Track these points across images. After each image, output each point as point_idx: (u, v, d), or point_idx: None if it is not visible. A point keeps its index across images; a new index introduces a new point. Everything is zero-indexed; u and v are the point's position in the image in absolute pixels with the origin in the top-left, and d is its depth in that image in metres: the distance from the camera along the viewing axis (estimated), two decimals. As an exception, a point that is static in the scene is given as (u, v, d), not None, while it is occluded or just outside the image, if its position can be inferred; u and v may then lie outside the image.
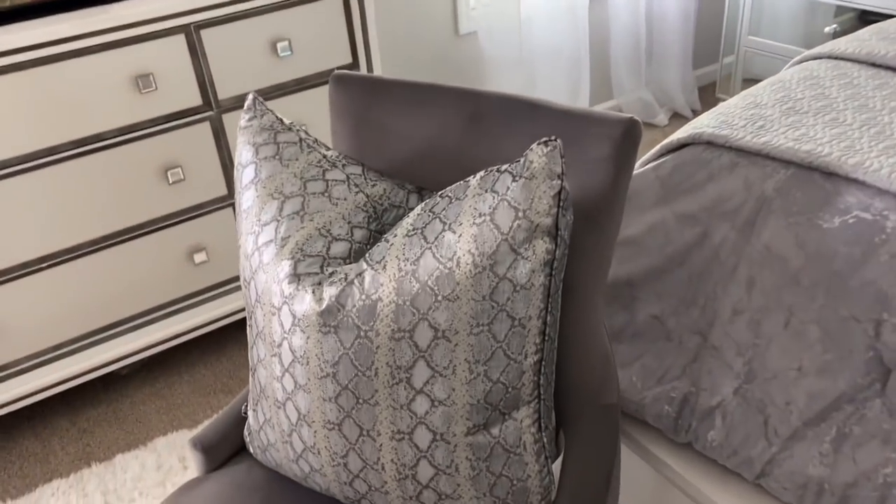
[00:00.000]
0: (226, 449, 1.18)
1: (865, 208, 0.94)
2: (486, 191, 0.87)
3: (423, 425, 0.89)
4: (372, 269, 0.89)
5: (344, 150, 1.16)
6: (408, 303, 0.86)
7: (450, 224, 0.88)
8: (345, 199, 1.00)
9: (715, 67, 3.26)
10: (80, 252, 1.81)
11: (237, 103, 1.90)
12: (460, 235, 0.86)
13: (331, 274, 0.92)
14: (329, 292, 0.90)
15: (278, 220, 0.97)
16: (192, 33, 1.78)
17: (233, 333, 2.21)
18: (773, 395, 1.01)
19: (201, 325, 2.04)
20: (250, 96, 1.07)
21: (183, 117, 1.84)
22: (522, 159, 0.86)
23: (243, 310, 2.10)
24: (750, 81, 2.99)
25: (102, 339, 1.92)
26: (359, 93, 1.15)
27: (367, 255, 0.92)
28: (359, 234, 0.98)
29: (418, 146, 1.11)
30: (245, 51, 1.86)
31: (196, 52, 1.80)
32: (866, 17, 3.01)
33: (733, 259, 1.07)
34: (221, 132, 1.90)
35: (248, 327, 1.04)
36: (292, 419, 0.96)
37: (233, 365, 2.10)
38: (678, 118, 3.26)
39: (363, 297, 0.88)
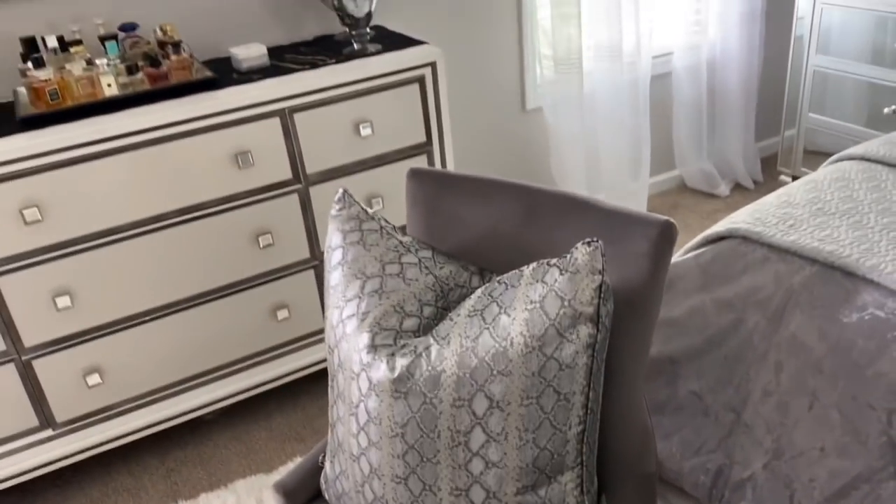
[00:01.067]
0: (303, 495, 1.33)
1: (880, 307, 1.04)
2: (537, 281, 1.02)
3: (478, 484, 1.02)
4: (438, 343, 1.04)
5: (417, 233, 1.33)
6: (467, 375, 1.01)
7: (505, 308, 1.02)
8: (416, 280, 1.16)
9: (777, 140, 3.35)
10: (178, 307, 2.02)
11: (323, 177, 2.11)
12: (514, 319, 1.00)
13: (402, 346, 1.08)
14: (401, 362, 1.05)
15: (360, 297, 1.14)
16: (286, 116, 2.00)
17: (307, 386, 2.39)
18: (798, 471, 1.11)
19: (279, 376, 2.22)
20: (340, 190, 1.25)
21: (275, 189, 2.05)
22: (569, 255, 1.01)
23: (317, 363, 2.28)
24: (812, 153, 3.06)
25: (191, 387, 2.12)
26: (431, 185, 1.32)
27: (433, 330, 1.07)
28: (427, 311, 1.14)
29: (481, 232, 1.27)
30: (331, 131, 2.07)
31: (289, 133, 2.02)
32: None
33: (764, 344, 1.18)
34: (308, 202, 2.11)
35: (329, 388, 1.20)
36: (365, 472, 1.11)
37: (305, 415, 2.27)
38: (740, 189, 3.35)
39: (430, 368, 1.03)
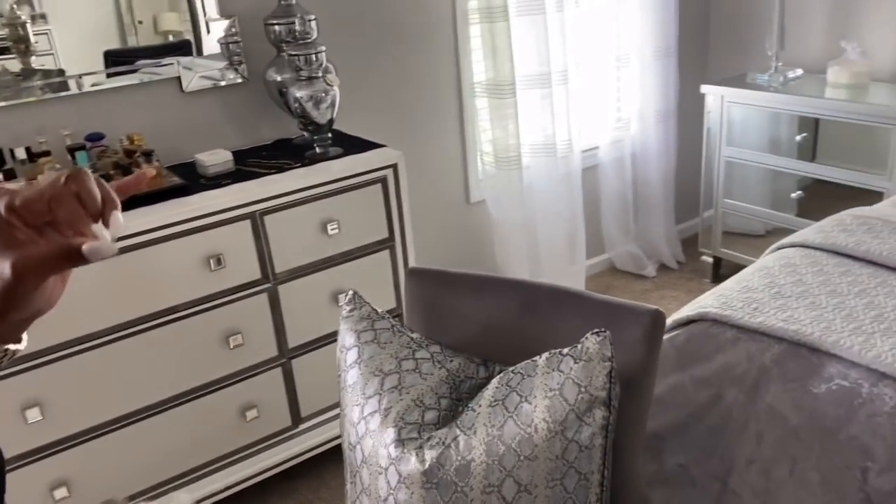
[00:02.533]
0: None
1: (844, 377, 1.19)
2: (554, 370, 1.12)
3: (509, 565, 1.09)
4: (465, 434, 1.12)
5: (418, 328, 1.42)
6: (496, 462, 1.09)
7: (526, 396, 1.12)
8: (431, 374, 1.24)
9: (696, 222, 3.63)
10: (149, 413, 2.01)
11: (291, 275, 2.17)
12: (535, 406, 1.10)
13: (428, 438, 1.15)
14: (430, 455, 1.12)
15: (380, 394, 1.21)
16: (257, 219, 2.07)
17: (275, 485, 2.37)
18: (786, 531, 1.23)
19: (249, 476, 2.21)
20: (350, 292, 1.33)
21: (245, 289, 2.10)
22: (580, 345, 1.12)
23: (285, 462, 2.27)
24: (728, 234, 3.33)
25: (160, 493, 2.07)
26: (430, 283, 1.42)
27: (457, 421, 1.15)
28: (444, 403, 1.22)
29: (481, 326, 1.37)
30: (300, 231, 2.15)
31: (259, 234, 2.08)
32: (823, 182, 3.42)
33: (744, 416, 1.31)
34: (277, 300, 2.16)
35: (349, 485, 1.25)
36: (393, 563, 1.16)
37: (276, 514, 2.24)
38: (665, 269, 3.59)
39: (459, 458, 1.11)
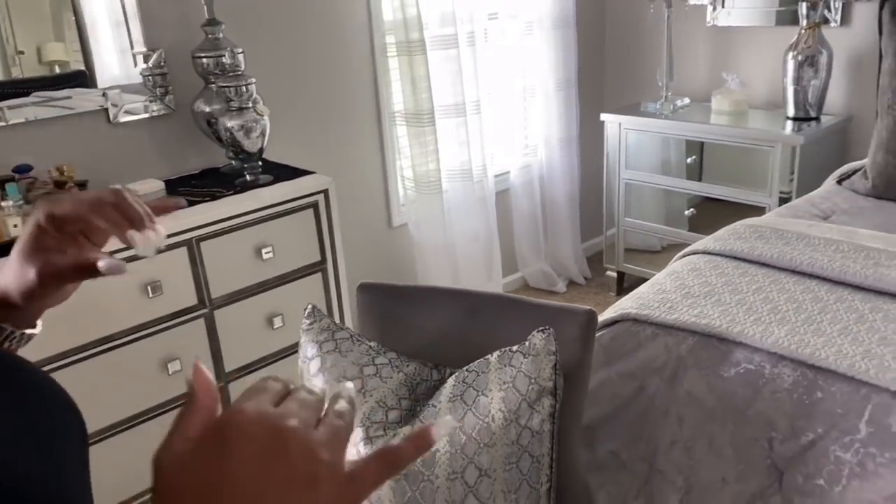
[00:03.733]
0: None
1: (750, 361, 1.39)
2: (506, 365, 1.25)
3: (473, 544, 1.20)
4: (429, 428, 1.23)
5: (372, 339, 1.52)
6: (458, 450, 1.21)
7: (482, 390, 1.24)
8: (391, 378, 1.35)
9: (600, 240, 3.88)
10: (91, 441, 2.00)
11: (227, 300, 2.22)
12: (491, 398, 1.23)
13: (394, 435, 1.25)
14: (398, 449, 1.22)
15: (345, 398, 1.30)
16: (193, 246, 2.12)
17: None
18: (707, 501, 1.40)
19: None
20: (309, 306, 1.42)
21: (182, 315, 2.13)
22: (528, 342, 1.26)
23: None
24: (629, 251, 3.59)
25: (101, 523, 2.06)
26: (381, 296, 1.53)
27: (420, 417, 1.27)
28: (404, 404, 1.33)
29: (431, 334, 1.49)
30: (235, 256, 2.21)
31: (196, 261, 2.13)
32: (709, 198, 3.75)
33: (665, 403, 1.49)
34: (213, 325, 2.20)
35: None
36: (364, 553, 1.25)
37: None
38: (574, 285, 3.81)
39: (425, 449, 1.21)
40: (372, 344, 1.41)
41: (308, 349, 1.38)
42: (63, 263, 0.70)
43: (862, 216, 2.01)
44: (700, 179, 3.35)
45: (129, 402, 2.06)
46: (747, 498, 1.35)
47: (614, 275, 3.68)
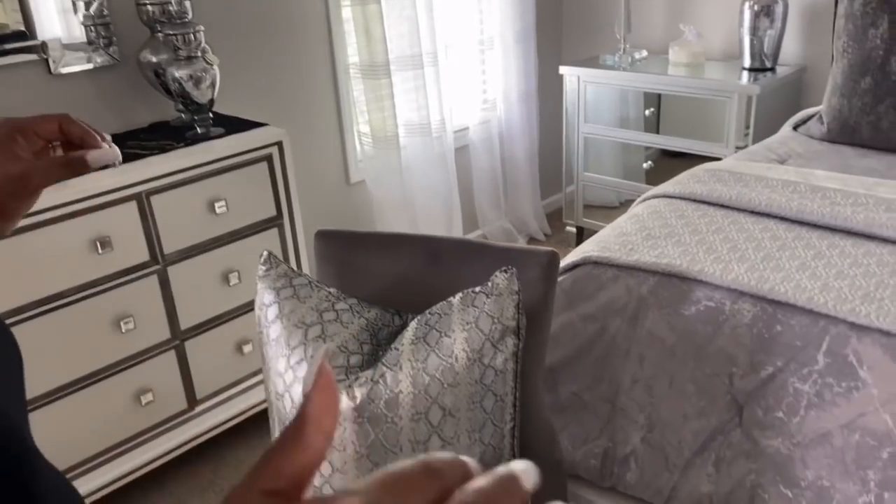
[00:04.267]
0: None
1: (710, 299, 1.39)
2: (469, 306, 1.24)
3: (438, 484, 1.19)
4: (391, 370, 1.22)
5: (330, 286, 1.49)
6: (422, 392, 1.19)
7: (445, 332, 1.23)
8: (352, 323, 1.32)
9: (560, 196, 3.88)
10: (39, 404, 1.94)
11: (181, 256, 2.16)
12: (455, 339, 1.21)
13: (356, 378, 1.23)
14: (360, 392, 1.20)
15: (305, 344, 1.27)
16: (143, 200, 2.05)
17: (172, 470, 2.34)
18: (668, 437, 1.42)
19: (146, 463, 2.18)
20: (265, 252, 1.38)
21: (134, 272, 2.07)
22: (490, 283, 1.24)
23: (183, 445, 2.26)
24: (590, 208, 3.60)
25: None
26: (340, 244, 1.49)
27: (383, 360, 1.24)
28: (366, 349, 1.30)
29: (392, 280, 1.46)
30: (187, 211, 2.14)
31: (146, 215, 2.06)
32: (666, 152, 3.77)
33: (626, 343, 1.49)
34: (167, 283, 2.14)
35: (279, 433, 1.31)
36: (328, 498, 1.23)
37: (176, 500, 2.23)
38: (534, 241, 3.81)
39: (387, 391, 1.20)
40: (332, 290, 1.38)
41: (265, 296, 1.34)
42: (49, 161, 0.69)
43: (817, 160, 2.03)
44: (658, 132, 3.36)
45: (81, 362, 2.00)
46: (708, 433, 1.37)
47: (574, 230, 3.69)
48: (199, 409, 2.29)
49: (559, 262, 1.35)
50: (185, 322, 2.22)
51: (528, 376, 1.36)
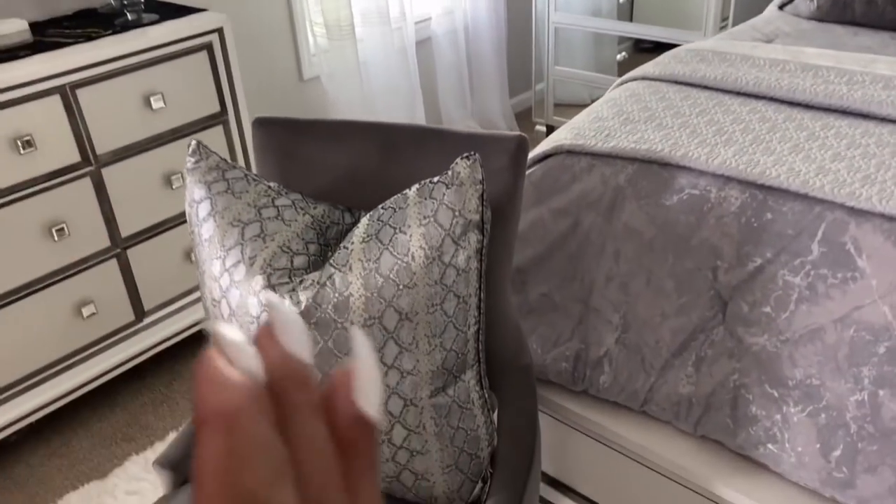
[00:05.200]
0: (190, 465, 1.29)
1: (694, 186, 1.26)
2: (426, 198, 1.09)
3: (395, 394, 1.08)
4: (340, 271, 1.08)
5: (272, 182, 1.33)
6: (375, 294, 1.06)
7: (399, 227, 1.09)
8: (295, 221, 1.17)
9: (529, 95, 3.69)
10: (-33, 318, 1.79)
11: (116, 157, 1.97)
12: (411, 235, 1.07)
13: (301, 281, 1.09)
14: (305, 295, 1.07)
15: (242, 244, 1.13)
16: (67, 93, 1.84)
17: (123, 384, 2.23)
18: (645, 338, 1.31)
19: (92, 378, 2.05)
20: (193, 142, 1.21)
21: (64, 174, 1.88)
22: (450, 171, 1.09)
23: (133, 358, 2.13)
24: (560, 106, 3.43)
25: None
26: (281, 133, 1.33)
27: (331, 260, 1.11)
28: (312, 248, 1.16)
29: (341, 174, 1.31)
30: (120, 106, 1.94)
31: (72, 111, 1.86)
32: (640, 46, 3.59)
33: (601, 238, 1.36)
34: (102, 186, 1.96)
35: (216, 343, 1.17)
36: (275, 413, 1.11)
37: (128, 414, 2.12)
38: (502, 142, 3.64)
39: (336, 295, 1.06)
40: (272, 184, 1.22)
41: (195, 191, 1.18)
42: None
43: (805, 39, 1.88)
44: (630, 20, 3.17)
45: (10, 272, 1.83)
46: (688, 332, 1.26)
47: (543, 129, 3.53)
48: (147, 320, 2.16)
49: (528, 149, 1.20)
50: (126, 229, 2.05)
51: (493, 276, 1.23)
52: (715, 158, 1.26)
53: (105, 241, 2.00)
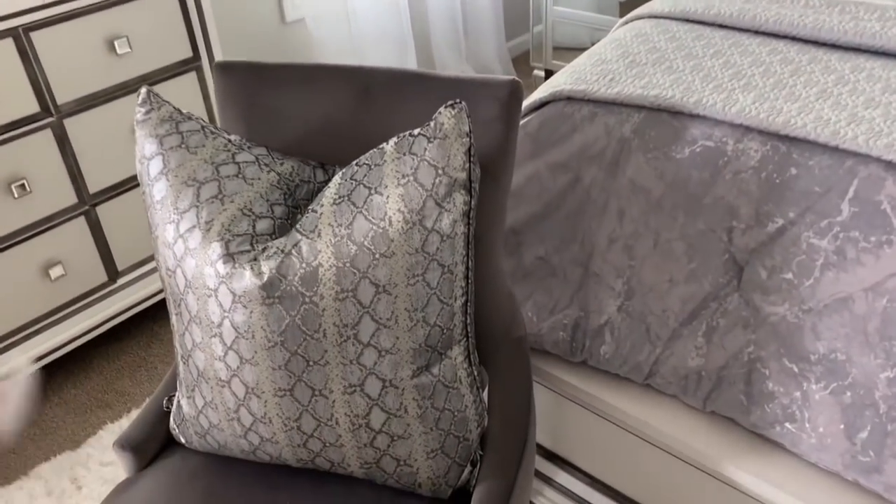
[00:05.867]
0: (154, 446, 1.18)
1: (708, 137, 1.13)
2: (405, 154, 0.96)
3: (373, 375, 0.96)
4: (307, 238, 0.95)
5: (236, 134, 1.19)
6: (348, 264, 0.93)
7: (375, 188, 0.95)
8: (259, 179, 1.04)
9: (527, 38, 3.51)
10: (-79, 282, 1.67)
11: (80, 106, 1.83)
12: (388, 196, 0.94)
13: (264, 249, 0.97)
14: (268, 265, 0.94)
15: (198, 206, 1.00)
16: (21, 36, 1.68)
17: (97, 348, 2.12)
18: (651, 306, 1.19)
19: (64, 343, 1.94)
20: (143, 90, 1.07)
21: (22, 126, 1.74)
22: (433, 123, 0.96)
23: (106, 321, 2.02)
24: (560, 50, 3.25)
25: (-42, 373, 1.78)
26: (245, 79, 1.18)
27: (297, 226, 0.98)
28: (278, 211, 1.03)
29: (312, 125, 1.17)
30: (81, 51, 1.79)
31: (28, 56, 1.71)
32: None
33: (603, 196, 1.23)
34: (65, 138, 1.82)
35: (174, 317, 1.06)
36: (239, 395, 1.00)
37: (104, 379, 2.02)
38: (498, 88, 3.47)
39: (303, 265, 0.94)
40: (232, 137, 1.08)
41: (145, 146, 1.05)
42: None
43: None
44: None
45: (-32, 233, 1.71)
46: (699, 299, 1.14)
47: (542, 74, 3.35)
48: (121, 281, 2.04)
49: (522, 95, 1.06)
50: (94, 185, 1.91)
51: (483, 241, 1.10)
52: (732, 106, 1.12)
53: (71, 198, 1.87)
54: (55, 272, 1.87)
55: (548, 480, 1.44)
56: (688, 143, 1.14)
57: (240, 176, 1.03)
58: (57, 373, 2.05)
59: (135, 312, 2.08)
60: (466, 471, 1.06)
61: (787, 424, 1.08)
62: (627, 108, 1.21)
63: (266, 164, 1.06)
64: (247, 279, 0.94)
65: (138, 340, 2.14)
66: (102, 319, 2.00)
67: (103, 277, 1.99)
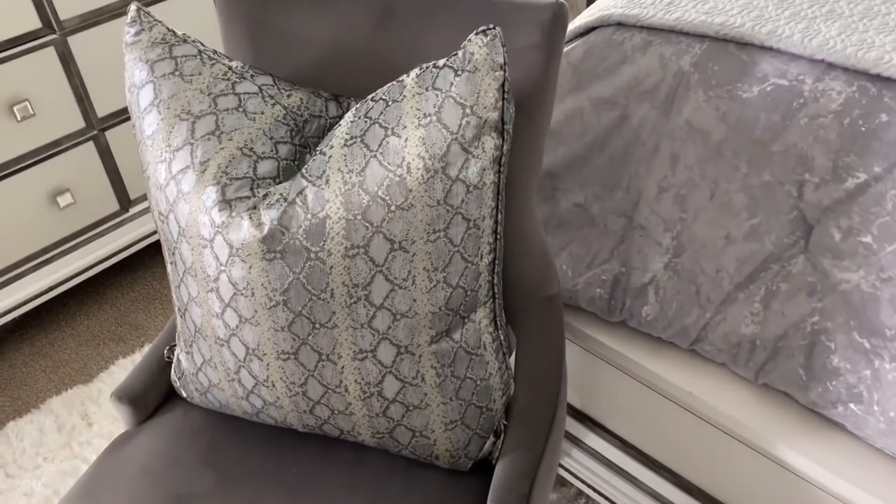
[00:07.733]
0: (154, 398, 1.10)
1: (782, 75, 0.97)
2: (427, 89, 0.82)
3: (386, 340, 0.86)
4: (314, 185, 0.83)
5: (240, 60, 1.06)
6: (359, 217, 0.81)
7: (392, 128, 0.82)
8: (262, 114, 0.91)
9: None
10: (-78, 209, 1.59)
11: (84, 22, 1.70)
12: (406, 139, 0.81)
13: (265, 196, 0.85)
14: (269, 215, 0.83)
15: (192, 143, 0.88)
16: (16, -57, 1.54)
17: (112, 278, 2.05)
18: (703, 264, 1.06)
19: (76, 273, 1.87)
20: (133, 7, 0.94)
21: (22, 43, 1.62)
22: (462, 52, 0.82)
23: (121, 251, 1.94)
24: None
25: (-34, 303, 1.72)
26: (251, -4, 1.04)
27: (303, 170, 0.85)
28: (284, 150, 0.91)
29: (325, 50, 1.03)
30: (83, -40, 1.64)
31: (25, -35, 1.57)
32: None
33: (655, 138, 1.09)
34: (70, 57, 1.70)
35: (170, 267, 0.95)
36: (239, 355, 0.90)
37: (118, 311, 1.96)
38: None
39: (309, 216, 0.82)
40: (233, 64, 0.95)
41: (135, 72, 0.92)
42: None
43: None
44: None
45: (-31, 158, 1.62)
46: (759, 260, 1.01)
47: (584, -7, 3.12)
48: (134, 210, 1.95)
49: (567, 20, 0.91)
50: (103, 108, 1.80)
51: (515, 191, 0.97)
52: (813, 38, 0.96)
53: (79, 122, 1.76)
54: (64, 200, 1.78)
55: (576, 441, 1.35)
56: (757, 80, 0.98)
57: (240, 109, 0.90)
58: (69, 303, 1.98)
59: (149, 243, 2.00)
60: (489, 442, 0.96)
61: (852, 405, 0.96)
62: (687, 38, 1.05)
63: (271, 97, 0.93)
64: (245, 230, 0.83)
65: (153, 272, 2.07)
66: (115, 249, 1.93)
67: (115, 206, 1.90)
